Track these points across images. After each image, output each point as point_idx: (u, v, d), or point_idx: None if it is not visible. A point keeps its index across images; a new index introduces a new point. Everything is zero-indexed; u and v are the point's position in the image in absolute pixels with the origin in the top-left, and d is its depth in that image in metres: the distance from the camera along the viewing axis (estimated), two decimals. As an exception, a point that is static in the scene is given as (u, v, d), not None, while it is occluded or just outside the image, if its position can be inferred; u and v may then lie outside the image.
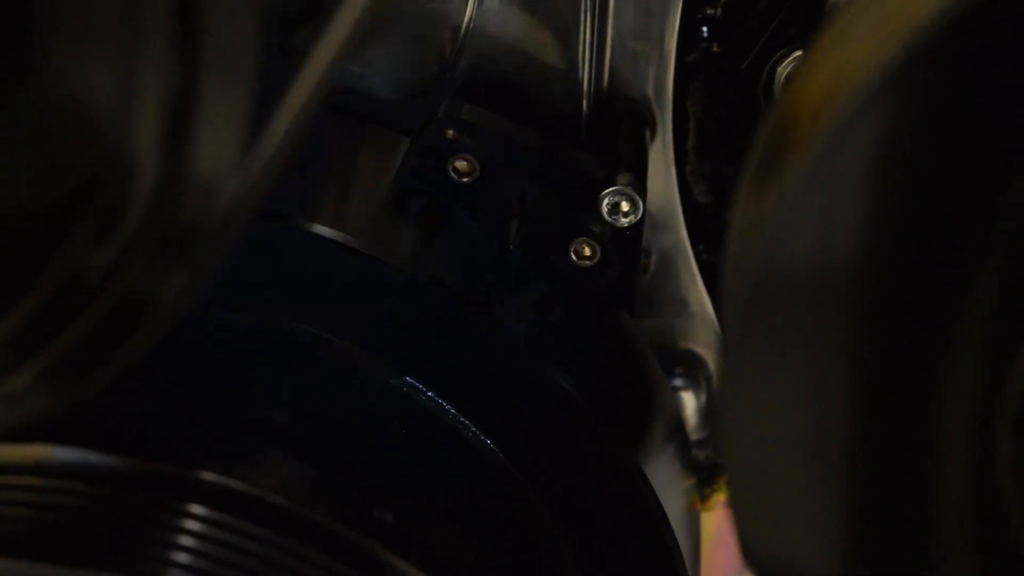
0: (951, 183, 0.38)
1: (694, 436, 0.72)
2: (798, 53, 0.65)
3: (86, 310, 0.37)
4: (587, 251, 0.61)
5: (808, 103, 0.38)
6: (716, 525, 0.75)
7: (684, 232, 0.68)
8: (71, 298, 0.37)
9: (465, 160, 0.60)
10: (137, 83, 0.34)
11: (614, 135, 0.64)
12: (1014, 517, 0.40)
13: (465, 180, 0.60)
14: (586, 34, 0.63)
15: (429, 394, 0.57)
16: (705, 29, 0.66)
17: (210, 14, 0.33)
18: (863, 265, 0.39)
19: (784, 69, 0.65)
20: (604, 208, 0.60)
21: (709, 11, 0.66)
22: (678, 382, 0.73)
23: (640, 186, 0.61)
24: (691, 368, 0.72)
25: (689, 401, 0.72)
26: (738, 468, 0.42)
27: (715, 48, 0.66)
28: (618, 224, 0.61)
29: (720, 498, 0.74)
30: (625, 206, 0.60)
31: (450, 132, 0.60)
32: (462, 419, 0.57)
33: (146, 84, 0.34)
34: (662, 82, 0.65)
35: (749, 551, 0.43)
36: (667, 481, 0.61)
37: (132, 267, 0.36)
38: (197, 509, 0.51)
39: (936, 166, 0.38)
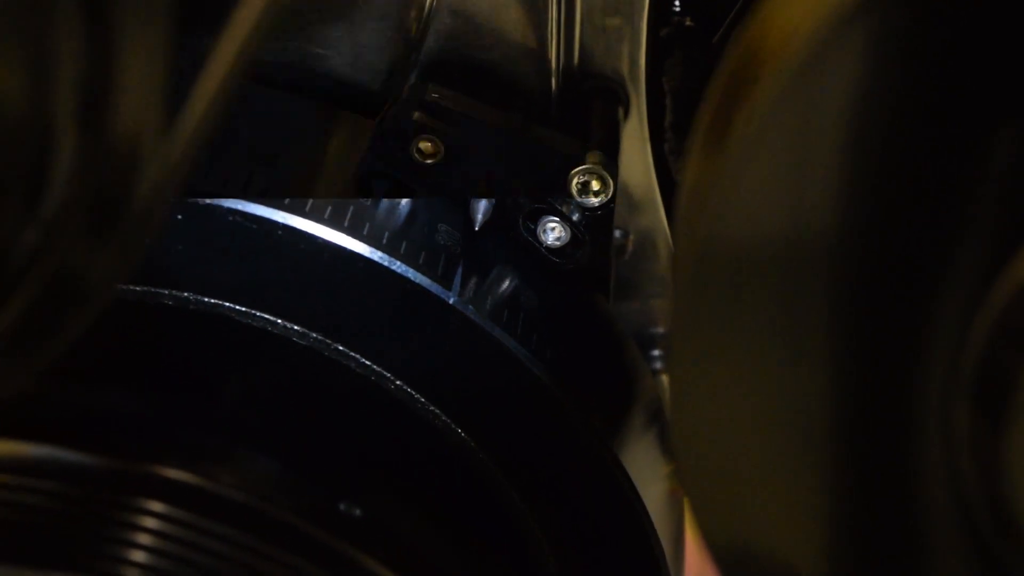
0: (934, 134, 0.35)
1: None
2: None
3: (15, 291, 0.36)
4: (557, 232, 0.60)
5: (772, 37, 0.35)
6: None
7: (663, 211, 0.67)
8: None
9: (430, 141, 0.59)
10: (48, 59, 0.33)
11: (585, 114, 0.62)
12: (975, 499, 0.38)
13: (430, 161, 0.59)
14: (554, 11, 0.62)
15: (397, 383, 0.56)
16: (677, 3, 0.65)
17: None
18: (837, 226, 0.37)
19: (758, 41, 0.63)
20: (574, 188, 0.59)
21: (681, -16, 0.65)
22: (658, 364, 0.72)
23: (611, 165, 0.60)
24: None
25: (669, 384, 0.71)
26: (691, 451, 0.40)
27: (688, 22, 0.65)
28: (588, 204, 0.59)
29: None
30: (595, 185, 0.59)
31: (415, 113, 0.59)
32: (431, 408, 0.56)
33: (57, 59, 0.33)
34: (635, 58, 0.64)
35: (714, 545, 0.41)
36: (647, 466, 0.60)
37: (59, 245, 0.35)
38: (158, 506, 0.50)
39: (917, 108, 0.35)
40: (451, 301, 0.56)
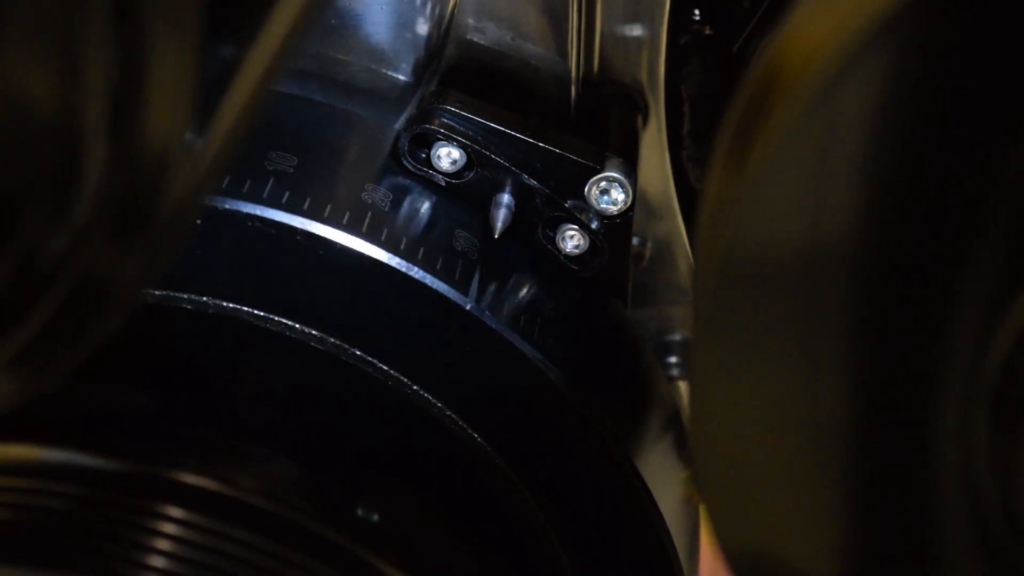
0: (952, 148, 0.35)
1: (693, 426, 0.70)
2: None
3: (44, 296, 0.36)
4: (576, 239, 0.60)
5: (794, 55, 0.35)
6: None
7: (680, 219, 0.67)
8: (27, 285, 0.36)
9: (450, 148, 0.59)
10: (78, 65, 0.33)
11: (604, 121, 0.62)
12: (991, 507, 0.38)
13: (450, 169, 0.59)
14: (575, 18, 0.62)
15: (414, 387, 0.56)
16: (697, 11, 0.65)
17: None
18: (856, 239, 0.37)
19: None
20: (593, 195, 0.59)
21: (700, -8, 0.65)
22: (675, 371, 0.72)
23: (630, 172, 0.60)
24: (689, 356, 0.71)
25: (686, 390, 0.71)
26: (710, 457, 0.40)
27: (707, 30, 0.65)
28: (607, 211, 0.59)
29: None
30: (614, 193, 0.59)
31: (436, 120, 0.59)
32: (448, 412, 0.56)
33: (88, 65, 0.33)
34: (654, 66, 0.64)
35: (729, 551, 0.41)
36: (662, 471, 0.60)
37: (87, 251, 0.36)
38: (175, 510, 0.50)
39: (937, 127, 0.35)
40: (468, 307, 0.56)
